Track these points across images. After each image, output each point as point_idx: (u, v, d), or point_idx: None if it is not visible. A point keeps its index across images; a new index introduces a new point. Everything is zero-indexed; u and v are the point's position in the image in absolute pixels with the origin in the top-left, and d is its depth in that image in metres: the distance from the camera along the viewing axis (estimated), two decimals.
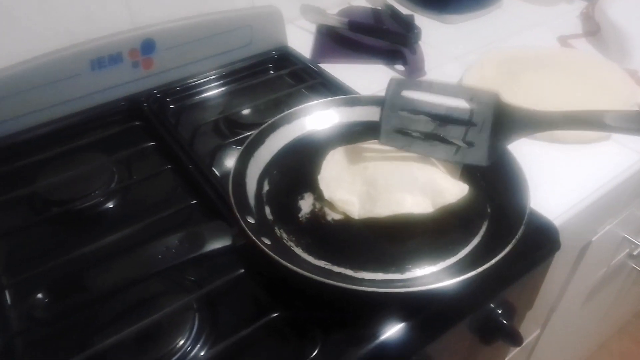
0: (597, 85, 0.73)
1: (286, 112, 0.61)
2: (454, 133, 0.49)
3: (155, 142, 0.65)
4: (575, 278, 0.75)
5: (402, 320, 0.44)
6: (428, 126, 0.50)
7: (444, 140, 0.50)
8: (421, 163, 0.51)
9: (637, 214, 0.79)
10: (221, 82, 0.78)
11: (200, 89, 0.76)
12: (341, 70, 0.78)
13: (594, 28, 0.88)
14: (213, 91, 0.77)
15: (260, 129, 0.58)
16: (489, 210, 0.51)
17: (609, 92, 0.71)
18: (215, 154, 0.61)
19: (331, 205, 0.52)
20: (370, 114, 0.63)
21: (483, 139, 0.48)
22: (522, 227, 0.45)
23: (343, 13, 0.93)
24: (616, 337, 1.33)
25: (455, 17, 0.94)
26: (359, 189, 0.51)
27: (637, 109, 0.69)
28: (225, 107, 0.71)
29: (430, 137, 0.50)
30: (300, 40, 0.87)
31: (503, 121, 0.48)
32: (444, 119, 0.50)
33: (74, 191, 0.57)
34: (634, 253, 0.81)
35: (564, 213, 0.56)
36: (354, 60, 0.83)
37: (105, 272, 0.44)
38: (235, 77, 0.78)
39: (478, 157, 0.48)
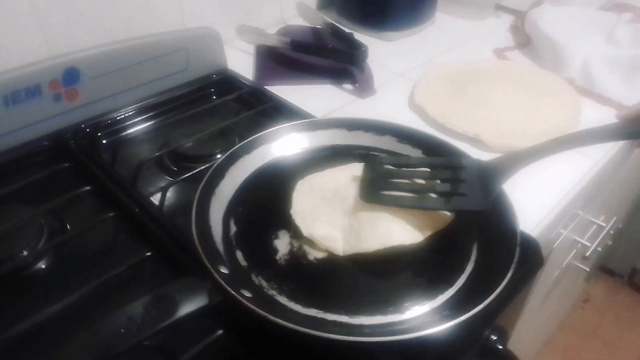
0: (542, 95, 0.74)
1: (244, 142, 0.55)
2: (443, 186, 0.47)
3: (89, 185, 0.56)
4: (539, 285, 0.75)
5: None
6: (414, 185, 0.48)
7: (436, 192, 0.47)
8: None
9: (585, 217, 0.81)
10: (158, 111, 0.70)
11: (135, 119, 0.68)
12: (288, 92, 0.74)
13: (524, 40, 0.91)
14: (150, 122, 0.69)
15: (218, 161, 0.52)
16: (475, 232, 0.49)
17: (554, 101, 0.73)
18: (165, 194, 0.54)
19: (311, 243, 0.47)
20: (334, 137, 0.59)
21: (475, 188, 0.46)
22: (518, 249, 0.43)
23: (282, 32, 0.89)
24: (559, 332, 1.39)
25: (393, 34, 0.93)
26: (340, 222, 0.46)
27: (580, 114, 0.71)
28: (167, 140, 0.63)
29: (419, 191, 0.47)
30: (240, 62, 0.82)
31: (492, 169, 0.47)
32: (430, 177, 0.48)
33: None
34: (586, 254, 0.83)
35: (536, 226, 0.56)
36: (299, 81, 0.79)
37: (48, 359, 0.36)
38: (174, 105, 0.71)
39: (473, 203, 0.46)
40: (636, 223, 1.28)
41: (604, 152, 0.67)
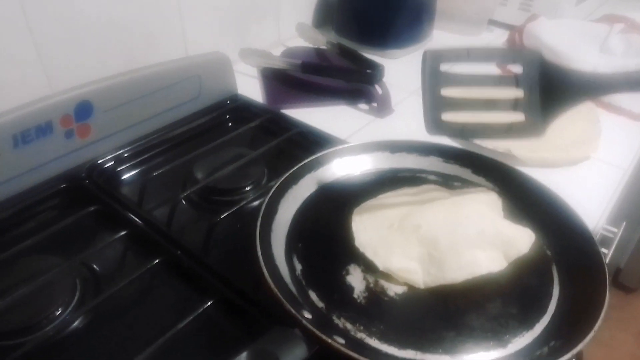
0: None
1: (290, 171, 0.52)
2: (505, 106, 0.45)
3: (122, 229, 0.51)
4: None
5: None
6: (476, 105, 0.45)
7: (500, 109, 0.45)
8: (474, 209, 0.46)
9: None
10: (176, 142, 0.66)
11: (153, 152, 0.64)
12: (304, 115, 0.71)
13: None
14: (169, 153, 0.64)
15: (269, 195, 0.48)
16: (549, 253, 0.47)
17: (573, 113, 0.74)
18: (210, 236, 0.49)
19: (388, 277, 0.43)
20: (378, 160, 0.57)
21: (535, 106, 0.44)
22: (606, 266, 0.41)
23: (287, 55, 0.87)
24: None
25: (396, 52, 0.92)
26: (417, 252, 0.44)
27: (600, 122, 0.72)
28: (192, 174, 0.59)
29: (485, 108, 0.45)
30: (247, 87, 0.78)
31: (553, 84, 0.44)
32: (496, 83, 0.46)
33: (28, 313, 0.42)
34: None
35: None
36: (313, 104, 0.76)
37: None
38: (192, 135, 0.67)
39: (532, 129, 0.44)
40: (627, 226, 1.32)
41: (630, 160, 0.68)
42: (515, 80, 0.47)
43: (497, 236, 0.43)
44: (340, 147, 0.56)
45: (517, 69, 0.46)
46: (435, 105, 0.45)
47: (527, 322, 0.40)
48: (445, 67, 0.46)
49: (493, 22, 1.04)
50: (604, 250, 0.78)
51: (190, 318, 0.41)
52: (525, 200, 0.51)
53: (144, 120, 0.64)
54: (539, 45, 0.88)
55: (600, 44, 0.89)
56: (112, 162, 0.60)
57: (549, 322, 0.40)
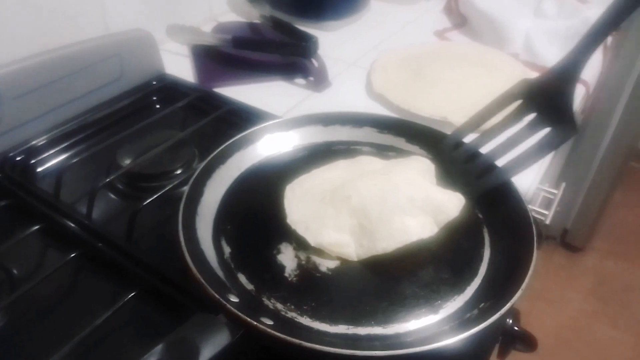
0: (493, 71, 0.75)
1: (217, 151, 0.49)
2: (522, 136, 0.45)
3: (35, 224, 0.47)
4: None
5: None
6: (499, 152, 0.47)
7: (520, 143, 0.46)
8: (405, 177, 0.44)
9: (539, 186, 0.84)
10: (98, 127, 0.61)
11: (72, 140, 0.59)
12: (238, 93, 0.68)
13: (460, 20, 0.92)
14: (90, 141, 0.60)
15: (193, 177, 0.46)
16: (480, 216, 0.47)
17: (506, 76, 0.74)
18: (133, 224, 0.46)
19: (320, 252, 0.42)
20: (311, 135, 0.55)
21: (554, 117, 0.43)
22: (534, 226, 0.42)
23: (218, 30, 0.83)
24: None
25: (333, 24, 0.90)
26: (348, 224, 0.42)
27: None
28: (115, 160, 0.55)
29: (508, 150, 0.46)
30: (176, 66, 0.74)
31: (553, 88, 0.43)
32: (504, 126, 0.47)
33: None
34: (546, 222, 0.86)
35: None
36: (247, 80, 0.74)
37: None
38: (115, 119, 0.63)
39: (565, 133, 0.43)
40: (567, 187, 1.37)
41: None
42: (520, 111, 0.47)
43: (427, 202, 0.42)
44: (270, 122, 0.54)
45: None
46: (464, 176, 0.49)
47: (458, 286, 0.40)
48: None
49: None
50: (544, 211, 0.80)
51: (112, 311, 0.39)
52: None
53: (61, 106, 0.60)
54: (474, 12, 0.87)
55: (535, 8, 0.89)
56: (26, 154, 0.55)
57: (480, 285, 0.40)
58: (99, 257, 0.44)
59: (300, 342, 0.32)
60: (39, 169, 0.56)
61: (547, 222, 0.86)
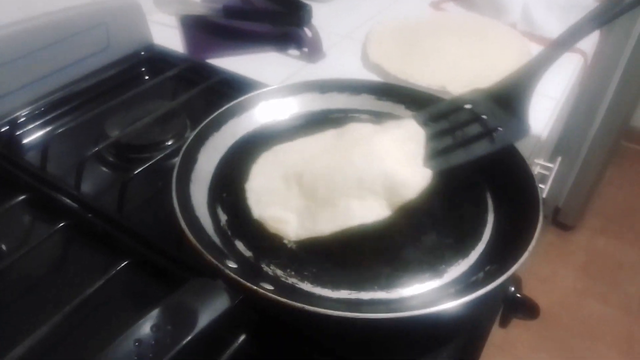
0: (491, 41, 0.74)
1: (210, 118, 0.47)
2: (475, 130, 0.44)
3: (22, 194, 0.45)
4: None
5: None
6: (447, 141, 0.44)
7: (475, 139, 0.44)
8: (371, 150, 0.42)
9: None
10: (85, 98, 0.59)
11: (59, 111, 0.57)
12: (230, 64, 0.66)
13: None
14: (78, 112, 0.58)
15: (186, 144, 0.44)
16: (482, 180, 0.46)
17: (504, 46, 0.73)
18: (124, 194, 0.44)
19: None
20: (307, 102, 0.53)
21: (505, 119, 0.43)
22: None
23: (207, 1, 0.80)
24: None
25: None
26: (296, 204, 0.41)
27: (531, 55, 0.71)
28: (103, 131, 0.53)
29: (461, 145, 0.44)
30: (166, 37, 0.72)
31: (505, 96, 0.44)
32: (455, 127, 0.45)
33: None
34: (543, 196, 0.86)
35: None
36: (239, 51, 0.71)
37: None
38: (103, 90, 0.60)
39: (514, 133, 0.44)
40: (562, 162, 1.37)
41: (562, 90, 0.68)
42: (471, 112, 0.46)
43: (378, 183, 0.40)
44: (265, 89, 0.52)
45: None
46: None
47: (462, 250, 0.39)
48: None
49: None
50: (540, 185, 0.79)
51: (104, 280, 0.37)
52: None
53: (46, 76, 0.57)
54: None
55: None
56: (10, 125, 0.53)
57: (484, 249, 0.39)
58: (89, 228, 0.42)
59: (303, 305, 0.31)
60: (25, 141, 0.53)
61: (544, 195, 0.85)
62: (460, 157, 0.44)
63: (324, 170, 0.41)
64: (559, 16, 0.77)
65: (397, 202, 0.40)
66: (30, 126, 0.55)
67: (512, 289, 0.46)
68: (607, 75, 1.28)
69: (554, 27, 0.77)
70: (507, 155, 0.45)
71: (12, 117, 0.54)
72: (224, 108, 0.48)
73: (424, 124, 0.45)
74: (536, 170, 0.84)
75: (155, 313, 0.29)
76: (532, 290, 1.44)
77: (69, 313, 0.35)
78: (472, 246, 0.39)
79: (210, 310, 0.30)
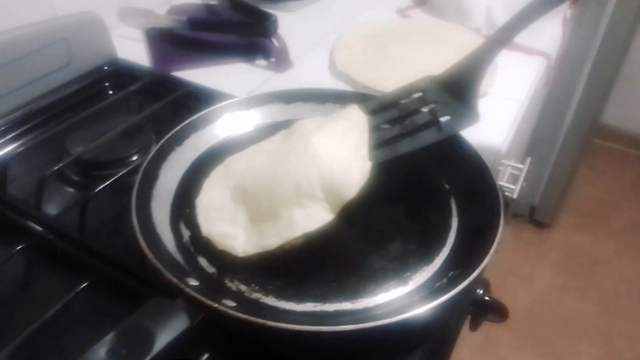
0: (457, 47, 0.74)
1: (172, 132, 0.47)
2: (423, 118, 0.43)
3: None
4: None
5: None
6: (394, 130, 0.43)
7: (422, 128, 0.43)
8: (305, 154, 0.40)
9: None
10: (46, 116, 0.58)
11: (19, 130, 0.56)
12: (196, 76, 0.66)
13: None
14: (39, 130, 0.56)
15: (147, 160, 0.43)
16: (446, 185, 0.46)
17: (467, 50, 0.74)
18: (84, 212, 0.43)
19: None
20: (273, 113, 0.53)
21: (454, 107, 0.43)
22: (501, 195, 0.41)
23: (173, 12, 0.80)
24: None
25: (292, 4, 0.88)
26: (243, 218, 0.40)
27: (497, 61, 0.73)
28: (65, 148, 0.52)
29: (408, 134, 0.43)
30: (130, 51, 0.71)
31: (455, 84, 0.43)
32: (404, 116, 0.44)
33: None
34: (513, 196, 0.87)
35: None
36: (205, 63, 0.71)
37: None
38: (66, 107, 0.59)
39: (463, 121, 0.43)
40: (533, 162, 1.39)
41: (526, 93, 0.69)
42: (420, 100, 0.45)
43: (315, 187, 0.38)
44: (228, 102, 0.51)
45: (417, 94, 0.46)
46: None
47: (427, 256, 0.39)
48: None
49: None
50: (511, 186, 0.80)
51: (63, 303, 0.36)
52: None
53: (5, 95, 0.56)
54: None
55: None
56: None
57: (448, 254, 0.39)
58: (50, 249, 0.41)
59: (265, 321, 0.31)
60: None
61: (515, 196, 0.86)
62: (406, 146, 0.43)
63: (264, 182, 0.40)
64: None
65: (339, 204, 0.38)
66: None
67: (481, 292, 0.46)
68: (575, 74, 1.31)
69: None
70: (470, 159, 0.45)
71: None
72: (185, 122, 0.48)
73: (372, 113, 0.44)
74: (507, 171, 0.85)
75: (110, 337, 0.28)
76: (512, 288, 1.47)
77: (26, 338, 0.34)
78: (437, 252, 0.39)
79: (169, 331, 0.29)
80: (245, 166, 0.42)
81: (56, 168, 0.47)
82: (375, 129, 0.43)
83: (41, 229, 0.42)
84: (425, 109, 0.44)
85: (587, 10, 1.17)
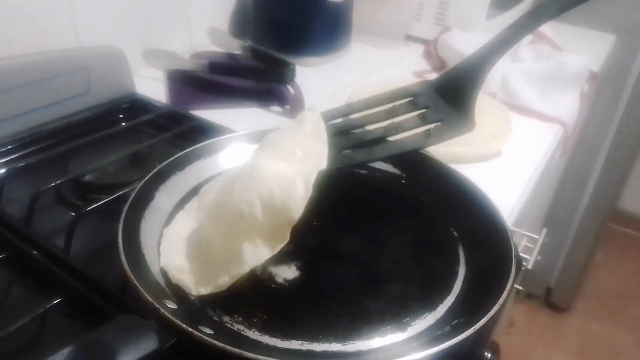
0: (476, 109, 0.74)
1: (174, 157, 0.46)
2: (411, 124, 0.41)
3: None
4: None
5: None
6: (377, 131, 0.41)
7: (408, 132, 0.41)
8: (248, 177, 0.36)
9: (517, 231, 0.81)
10: (55, 140, 0.58)
11: (25, 151, 0.55)
12: (211, 116, 0.66)
13: (439, 64, 0.93)
14: (45, 152, 0.56)
15: (144, 181, 0.42)
16: (453, 231, 0.43)
17: (484, 112, 0.73)
18: (72, 231, 0.41)
19: (277, 262, 0.38)
20: None
21: (449, 112, 0.41)
22: (513, 243, 0.38)
23: (196, 57, 0.82)
24: None
25: (313, 60, 0.90)
26: (199, 255, 0.38)
27: (511, 122, 0.72)
28: (67, 171, 0.51)
29: (390, 134, 0.40)
30: (150, 89, 0.72)
31: (451, 89, 0.41)
32: (391, 114, 0.41)
33: None
34: (528, 266, 0.82)
35: None
36: (222, 105, 0.71)
37: None
38: (76, 133, 0.59)
39: (455, 128, 0.40)
40: (549, 235, 1.34)
41: (541, 156, 0.67)
42: (412, 104, 0.44)
43: (257, 212, 0.34)
44: (235, 134, 0.51)
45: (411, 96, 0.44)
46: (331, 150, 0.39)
47: (430, 303, 0.36)
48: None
49: (410, 37, 1.05)
50: (525, 256, 0.76)
51: (30, 318, 0.34)
52: (431, 182, 0.48)
53: (16, 117, 0.56)
54: (453, 54, 0.88)
55: (512, 54, 0.91)
56: None
57: (453, 303, 0.36)
58: (29, 262, 0.39)
59: (242, 352, 0.27)
60: None
61: (529, 266, 0.82)
62: (386, 150, 0.41)
63: (217, 214, 0.36)
64: (537, 87, 0.79)
65: (287, 226, 0.34)
66: None
67: (489, 355, 0.42)
68: (593, 154, 1.30)
69: (533, 98, 0.78)
70: (481, 208, 0.43)
71: None
72: (190, 149, 0.47)
73: (356, 112, 0.42)
74: (522, 242, 0.81)
75: (67, 350, 0.25)
76: None
77: None
78: (441, 299, 0.36)
79: (133, 351, 0.26)
80: (212, 197, 0.39)
81: (52, 185, 0.46)
82: (349, 132, 0.41)
83: (24, 242, 0.40)
84: (415, 113, 0.42)
85: (605, 90, 1.18)
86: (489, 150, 0.65)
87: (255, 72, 0.73)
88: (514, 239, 0.56)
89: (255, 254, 0.34)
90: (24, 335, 0.33)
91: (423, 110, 0.42)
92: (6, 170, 0.51)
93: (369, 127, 0.42)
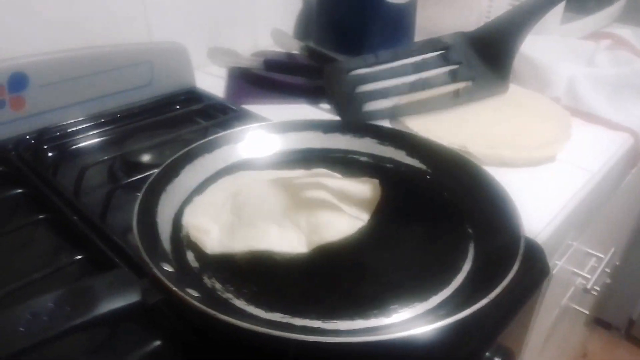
0: (530, 112, 0.70)
1: (205, 139, 0.49)
2: (440, 80, 0.40)
3: (25, 189, 0.48)
4: (542, 312, 0.67)
5: None
6: (402, 88, 0.40)
7: (435, 86, 0.39)
8: (316, 192, 0.41)
9: (580, 248, 0.75)
10: (113, 126, 0.63)
11: (88, 133, 0.61)
12: (262, 110, 0.69)
13: None
14: (104, 137, 0.62)
15: (172, 158, 0.45)
16: (469, 229, 0.42)
17: (543, 117, 0.69)
18: (110, 201, 0.46)
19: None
20: (309, 140, 0.53)
21: (482, 70, 0.39)
22: (521, 244, 0.36)
23: (256, 55, 0.86)
24: None
25: None
26: (224, 218, 0.40)
27: (570, 129, 0.67)
28: (118, 149, 0.56)
29: (416, 89, 0.40)
30: (211, 84, 0.77)
31: (487, 43, 0.39)
32: (419, 68, 0.40)
33: None
34: (587, 286, 0.76)
35: (537, 235, 0.49)
36: (274, 100, 0.74)
37: None
38: (132, 120, 0.65)
39: (490, 88, 0.38)
40: (632, 265, 1.22)
41: (601, 164, 0.62)
42: (443, 58, 0.42)
43: (304, 216, 0.39)
44: (269, 122, 0.53)
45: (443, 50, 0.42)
46: (352, 102, 0.39)
47: (423, 293, 0.35)
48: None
49: None
50: (586, 275, 0.70)
51: (53, 269, 0.38)
52: (456, 181, 0.46)
53: (85, 101, 0.63)
54: (518, 57, 0.84)
55: (587, 60, 0.85)
56: (41, 138, 0.58)
57: (450, 296, 0.35)
58: (69, 224, 0.44)
59: (215, 313, 0.29)
60: (50, 154, 0.58)
61: (588, 286, 0.76)
62: (411, 109, 0.39)
63: (259, 194, 0.40)
64: (607, 93, 0.73)
65: (316, 241, 0.38)
66: (57, 142, 0.59)
67: None
68: None
69: (602, 104, 0.72)
70: (502, 211, 0.41)
71: (54, 127, 0.59)
72: (221, 134, 0.50)
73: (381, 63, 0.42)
74: (579, 257, 0.75)
75: (59, 292, 0.29)
76: None
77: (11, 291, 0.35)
78: (435, 291, 0.35)
79: (115, 301, 0.29)
80: (250, 180, 0.43)
81: (99, 161, 0.51)
82: (373, 84, 0.41)
83: (63, 204, 0.45)
84: (445, 69, 0.40)
85: None
86: (539, 155, 0.61)
87: (308, 70, 0.75)
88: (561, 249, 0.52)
89: (279, 240, 0.38)
90: (43, 281, 0.37)
91: (455, 67, 0.40)
92: (65, 152, 0.58)
93: (395, 81, 0.41)
